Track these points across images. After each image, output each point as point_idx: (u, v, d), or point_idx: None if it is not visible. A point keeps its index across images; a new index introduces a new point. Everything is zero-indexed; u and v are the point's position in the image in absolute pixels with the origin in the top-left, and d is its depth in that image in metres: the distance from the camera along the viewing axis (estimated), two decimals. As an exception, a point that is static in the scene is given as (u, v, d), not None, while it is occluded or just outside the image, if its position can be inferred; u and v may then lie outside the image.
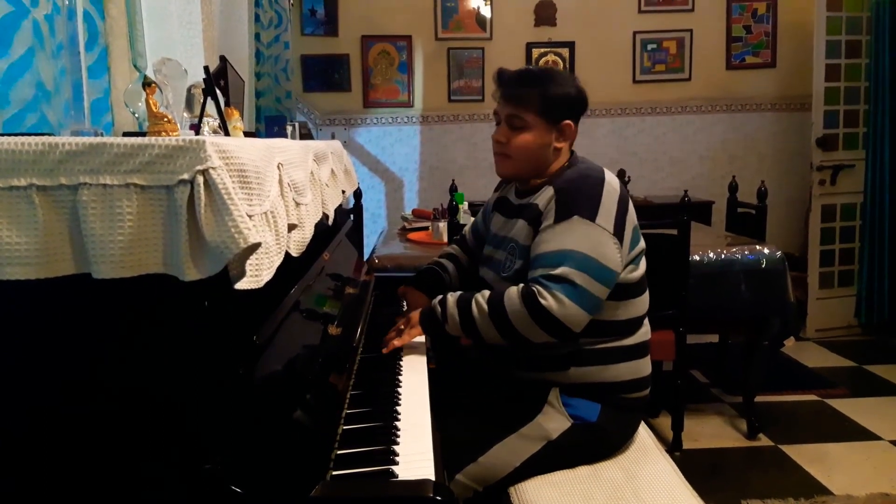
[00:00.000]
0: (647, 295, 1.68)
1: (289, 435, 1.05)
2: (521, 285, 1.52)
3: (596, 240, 1.51)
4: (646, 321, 1.69)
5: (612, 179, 1.61)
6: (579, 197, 1.55)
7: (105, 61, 1.70)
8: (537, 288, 1.47)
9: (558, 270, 1.47)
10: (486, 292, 1.57)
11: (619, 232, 1.54)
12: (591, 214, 1.52)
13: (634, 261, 1.61)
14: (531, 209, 1.63)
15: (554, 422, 1.58)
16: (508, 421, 1.59)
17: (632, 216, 1.61)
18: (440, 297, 1.64)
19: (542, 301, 1.45)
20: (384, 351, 1.64)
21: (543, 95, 1.63)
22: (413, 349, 1.69)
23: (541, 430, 1.57)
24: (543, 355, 1.58)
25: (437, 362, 1.66)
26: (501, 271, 1.67)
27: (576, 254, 1.48)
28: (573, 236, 1.51)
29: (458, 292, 1.63)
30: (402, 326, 1.68)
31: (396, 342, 1.64)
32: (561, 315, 1.45)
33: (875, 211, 4.05)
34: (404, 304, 2.01)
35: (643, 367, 1.66)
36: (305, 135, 2.44)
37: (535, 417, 1.58)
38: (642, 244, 1.65)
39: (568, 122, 1.65)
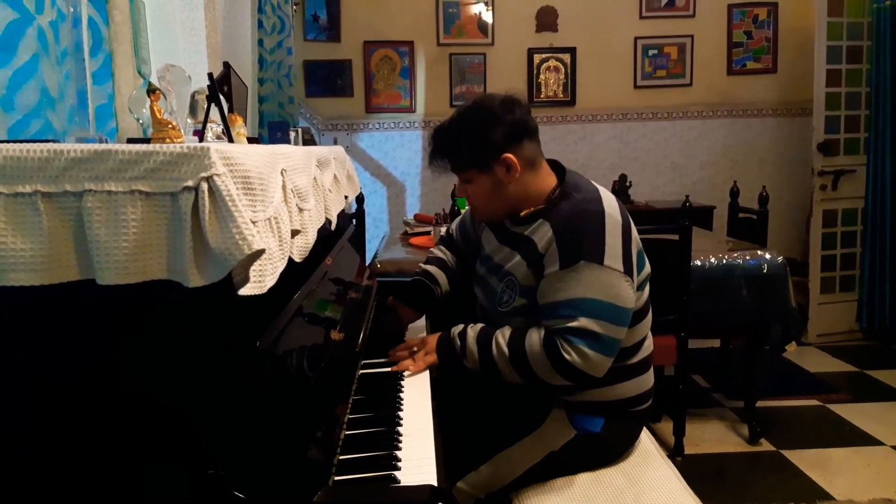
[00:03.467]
0: (650, 314, 1.65)
1: (291, 440, 1.05)
2: (543, 333, 1.47)
3: (607, 283, 1.45)
4: (649, 336, 1.67)
5: (611, 209, 1.53)
6: (582, 239, 1.48)
7: (109, 67, 1.70)
8: (560, 342, 1.43)
9: (576, 323, 1.43)
10: (507, 331, 1.53)
11: (628, 268, 1.48)
12: (597, 257, 1.46)
13: (640, 286, 1.57)
14: (528, 245, 1.56)
15: (557, 433, 1.57)
16: (512, 431, 1.59)
17: (636, 241, 1.56)
18: (460, 327, 1.61)
19: (566, 356, 1.42)
20: (393, 370, 1.59)
21: (464, 154, 1.60)
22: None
23: (544, 441, 1.57)
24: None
25: (443, 372, 1.64)
26: (499, 304, 1.62)
27: (590, 302, 1.44)
28: (584, 284, 1.45)
29: (479, 325, 1.59)
30: (416, 349, 1.64)
31: (412, 367, 1.59)
32: (585, 367, 1.43)
33: (876, 216, 4.05)
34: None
35: (647, 381, 1.65)
36: (308, 140, 2.45)
37: (539, 428, 1.58)
38: (647, 268, 1.61)
39: (506, 155, 1.55)
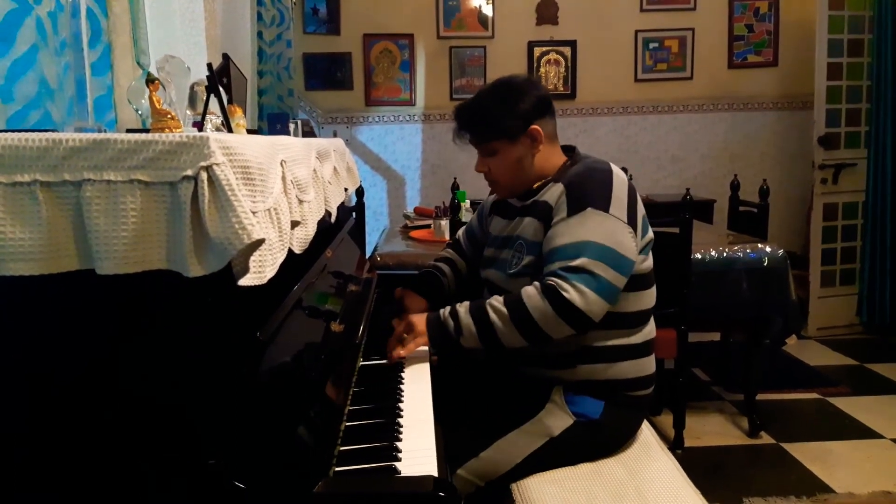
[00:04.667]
0: (654, 289, 1.68)
1: (292, 431, 1.05)
2: (537, 283, 1.50)
3: (611, 229, 1.51)
4: (651, 319, 1.69)
5: (618, 171, 1.62)
6: (590, 189, 1.56)
7: (108, 58, 1.70)
8: (557, 281, 1.46)
9: (577, 262, 1.47)
10: (499, 297, 1.54)
11: (632, 221, 1.55)
12: (604, 205, 1.53)
13: (643, 251, 1.62)
14: (539, 206, 1.63)
15: (556, 419, 1.58)
16: (511, 417, 1.59)
17: (640, 207, 1.62)
18: (448, 308, 1.60)
19: (565, 294, 1.44)
20: (389, 362, 1.58)
21: (493, 123, 1.64)
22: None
23: (543, 427, 1.57)
24: (552, 353, 1.58)
25: (440, 357, 1.65)
26: (508, 269, 1.66)
27: (593, 244, 1.48)
28: (588, 227, 1.51)
29: (466, 302, 1.59)
30: (405, 334, 1.61)
31: (403, 352, 1.58)
32: (584, 307, 1.45)
33: (877, 209, 4.05)
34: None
35: (647, 365, 1.66)
36: (308, 133, 2.44)
37: (538, 414, 1.58)
38: (650, 234, 1.65)
39: (533, 127, 1.64)
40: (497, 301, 1.53)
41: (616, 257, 1.49)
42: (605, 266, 1.47)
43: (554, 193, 1.61)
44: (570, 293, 1.44)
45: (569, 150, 1.75)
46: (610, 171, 1.60)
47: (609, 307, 1.50)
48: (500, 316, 1.51)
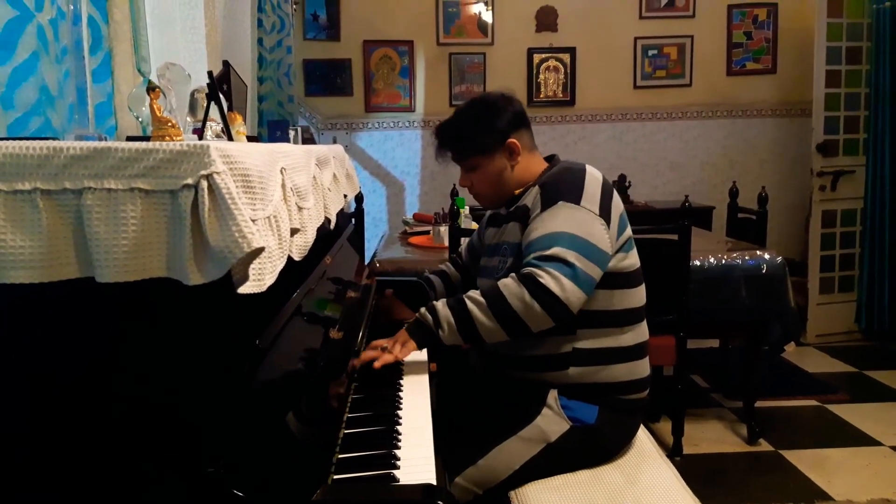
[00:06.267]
0: (642, 288, 1.68)
1: (290, 439, 1.05)
2: (513, 273, 1.52)
3: (582, 220, 1.54)
4: (644, 322, 1.69)
5: (593, 170, 1.66)
6: (562, 184, 1.61)
7: (109, 66, 1.70)
8: (532, 269, 1.48)
9: (550, 251, 1.49)
10: (477, 290, 1.56)
11: (605, 214, 1.57)
12: (575, 198, 1.57)
13: (624, 248, 1.63)
14: (520, 210, 1.67)
15: (552, 424, 1.58)
16: (507, 424, 1.59)
17: (617, 203, 1.64)
18: (425, 306, 1.60)
19: (541, 279, 1.46)
20: (376, 366, 1.51)
21: (469, 141, 1.72)
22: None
23: (539, 433, 1.57)
24: (543, 355, 1.59)
25: (438, 365, 1.65)
26: (495, 274, 1.68)
27: (565, 235, 1.51)
28: (560, 219, 1.54)
29: (443, 298, 1.59)
30: (386, 345, 1.56)
31: (398, 354, 1.53)
32: (559, 293, 1.45)
33: (875, 217, 4.05)
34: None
35: (641, 368, 1.66)
36: (308, 139, 2.45)
37: (534, 420, 1.58)
38: (629, 231, 1.67)
39: (510, 140, 1.70)
40: (475, 293, 1.55)
41: (589, 247, 1.51)
42: (579, 255, 1.49)
43: (531, 195, 1.66)
44: (546, 278, 1.46)
45: (549, 159, 1.79)
46: (583, 170, 1.64)
47: (585, 297, 1.50)
48: (478, 306, 1.52)
